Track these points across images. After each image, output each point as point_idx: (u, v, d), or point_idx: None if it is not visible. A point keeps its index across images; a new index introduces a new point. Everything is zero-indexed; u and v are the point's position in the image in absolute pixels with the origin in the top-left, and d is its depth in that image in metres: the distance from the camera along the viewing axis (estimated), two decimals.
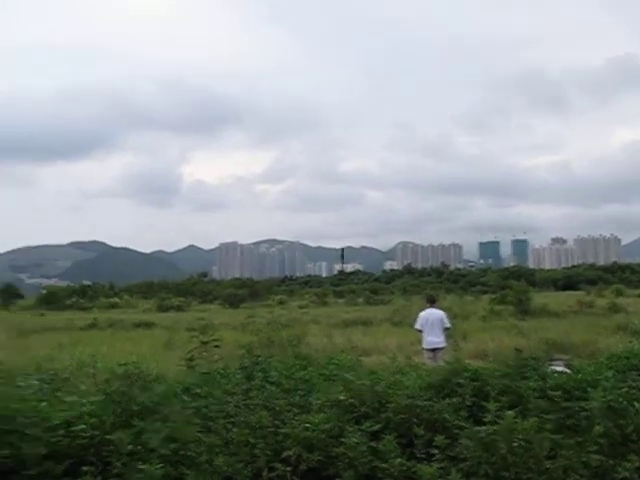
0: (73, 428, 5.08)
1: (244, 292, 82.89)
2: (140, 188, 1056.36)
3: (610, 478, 5.07)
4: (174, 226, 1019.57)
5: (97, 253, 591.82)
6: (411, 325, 17.56)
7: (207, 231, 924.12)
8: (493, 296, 56.72)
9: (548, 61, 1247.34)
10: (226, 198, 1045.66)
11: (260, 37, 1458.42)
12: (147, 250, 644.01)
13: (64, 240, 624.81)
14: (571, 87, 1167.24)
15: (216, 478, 4.71)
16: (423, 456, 5.13)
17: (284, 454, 5.10)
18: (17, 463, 4.82)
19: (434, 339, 15.98)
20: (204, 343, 8.87)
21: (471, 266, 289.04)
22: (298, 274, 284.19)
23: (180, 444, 4.96)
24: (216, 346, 8.65)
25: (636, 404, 5.70)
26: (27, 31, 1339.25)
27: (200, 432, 5.20)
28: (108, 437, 4.96)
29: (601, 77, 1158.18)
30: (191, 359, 8.04)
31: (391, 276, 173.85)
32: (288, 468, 4.98)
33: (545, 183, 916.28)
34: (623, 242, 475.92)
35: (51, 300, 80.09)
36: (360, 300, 78.25)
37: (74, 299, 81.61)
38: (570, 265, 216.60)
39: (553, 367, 7.69)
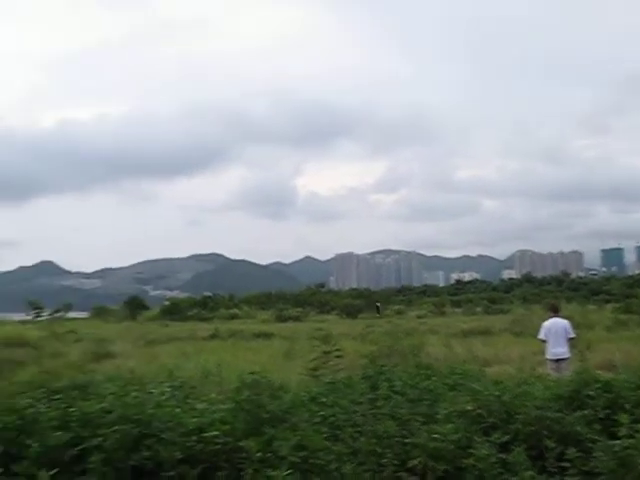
0: (205, 434, 5.25)
1: (361, 302, 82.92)
2: (256, 201, 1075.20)
3: None
4: (290, 238, 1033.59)
5: (217, 265, 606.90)
6: (533, 335, 17.16)
7: (322, 242, 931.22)
8: (617, 305, 54.68)
9: None
10: (340, 209, 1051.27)
11: (370, 48, 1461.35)
12: (264, 262, 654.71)
13: (185, 253, 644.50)
14: None
15: None
16: (554, 470, 5.00)
17: (410, 463, 5.09)
18: (155, 465, 5.04)
19: (559, 349, 15.54)
20: (326, 353, 8.97)
21: (593, 274, 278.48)
22: (414, 284, 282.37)
23: (309, 452, 5.04)
24: (338, 356, 8.72)
25: None
26: (148, 55, 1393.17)
27: (328, 440, 5.27)
28: (239, 444, 5.11)
29: None
30: (315, 368, 8.15)
31: (510, 285, 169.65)
32: (415, 478, 4.96)
33: None
34: None
35: (174, 311, 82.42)
36: (478, 309, 76.89)
37: (195, 310, 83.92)
38: None
39: None
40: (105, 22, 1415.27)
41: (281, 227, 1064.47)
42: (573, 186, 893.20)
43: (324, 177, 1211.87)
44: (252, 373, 6.40)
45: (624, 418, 5.14)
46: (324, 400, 6.25)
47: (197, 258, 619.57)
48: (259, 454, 4.95)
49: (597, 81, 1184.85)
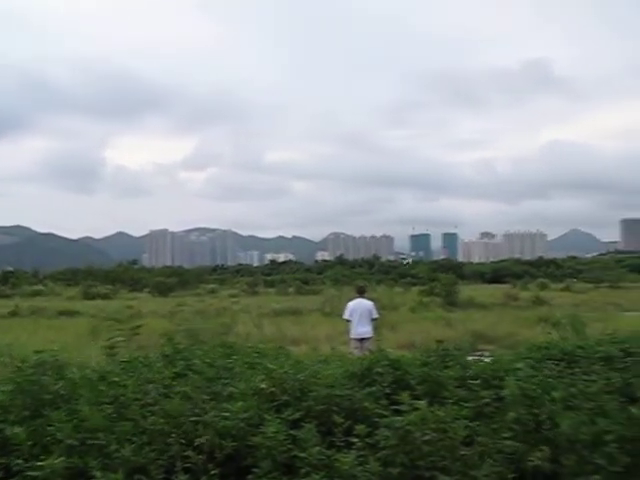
0: None
1: (173, 280, 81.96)
2: (62, 172, 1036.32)
3: (523, 465, 5.17)
4: (101, 212, 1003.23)
5: (21, 239, 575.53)
6: (340, 315, 17.59)
7: (136, 218, 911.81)
8: (422, 288, 57.32)
9: (470, 60, 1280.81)
10: (151, 184, 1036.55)
11: (185, 21, 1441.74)
12: (74, 236, 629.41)
13: None
14: (491, 87, 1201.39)
15: (124, 467, 4.57)
16: (342, 444, 5.10)
17: (197, 442, 5.01)
18: None
19: (362, 329, 16.05)
20: (120, 330, 8.67)
21: (402, 258, 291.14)
22: (230, 263, 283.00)
23: (89, 433, 4.80)
24: (136, 334, 8.50)
25: (553, 393, 5.81)
26: None
27: (114, 421, 5.07)
28: (12, 431, 4.77)
29: (518, 79, 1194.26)
30: (112, 347, 7.85)
31: (323, 266, 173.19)
32: (202, 457, 4.88)
33: (471, 179, 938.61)
34: (549, 237, 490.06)
35: None
36: (291, 290, 78.27)
37: None
38: (498, 259, 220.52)
39: (475, 357, 7.80)
40: None
41: (91, 201, 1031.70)
42: (382, 174, 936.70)
43: (133, 151, 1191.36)
44: (39, 352, 6.05)
45: (405, 395, 5.33)
46: (116, 379, 6.03)
47: None
48: (31, 441, 4.66)
49: (402, 77, 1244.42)
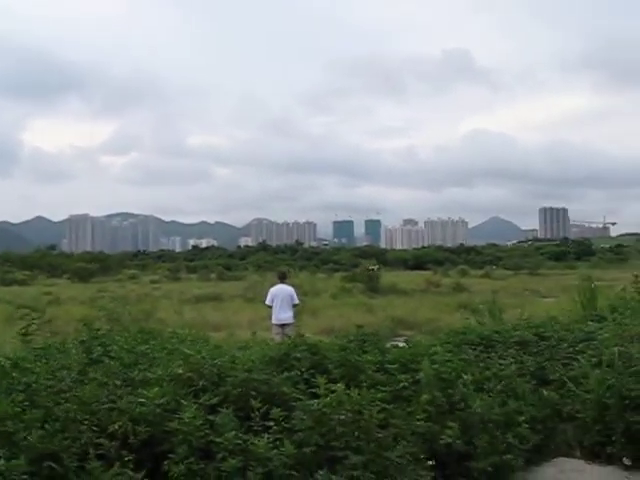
0: None
1: (94, 266, 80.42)
2: None
3: (436, 445, 5.31)
4: (18, 196, 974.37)
5: None
6: (263, 301, 17.58)
7: (55, 202, 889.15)
8: (345, 274, 57.68)
9: (395, 49, 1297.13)
10: (71, 168, 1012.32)
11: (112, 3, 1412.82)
12: None
13: None
14: (415, 75, 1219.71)
15: (30, 453, 4.47)
16: (260, 428, 5.12)
17: (110, 429, 4.95)
18: None
19: (283, 315, 16.08)
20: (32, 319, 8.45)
21: (325, 244, 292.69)
22: (152, 249, 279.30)
23: None
24: (48, 321, 8.33)
25: (464, 375, 5.98)
26: None
27: (26, 408, 4.95)
28: None
29: (442, 68, 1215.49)
30: (26, 334, 7.68)
31: (245, 252, 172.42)
32: (115, 443, 4.82)
33: (394, 166, 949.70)
34: (470, 225, 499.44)
35: None
36: (213, 276, 77.77)
37: None
38: (420, 246, 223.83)
39: (395, 342, 7.93)
40: None
41: (7, 184, 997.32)
42: (304, 160, 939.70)
43: (51, 134, 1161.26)
44: None
45: (321, 379, 5.38)
46: (29, 366, 5.89)
47: None
48: None
49: (325, 64, 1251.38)
